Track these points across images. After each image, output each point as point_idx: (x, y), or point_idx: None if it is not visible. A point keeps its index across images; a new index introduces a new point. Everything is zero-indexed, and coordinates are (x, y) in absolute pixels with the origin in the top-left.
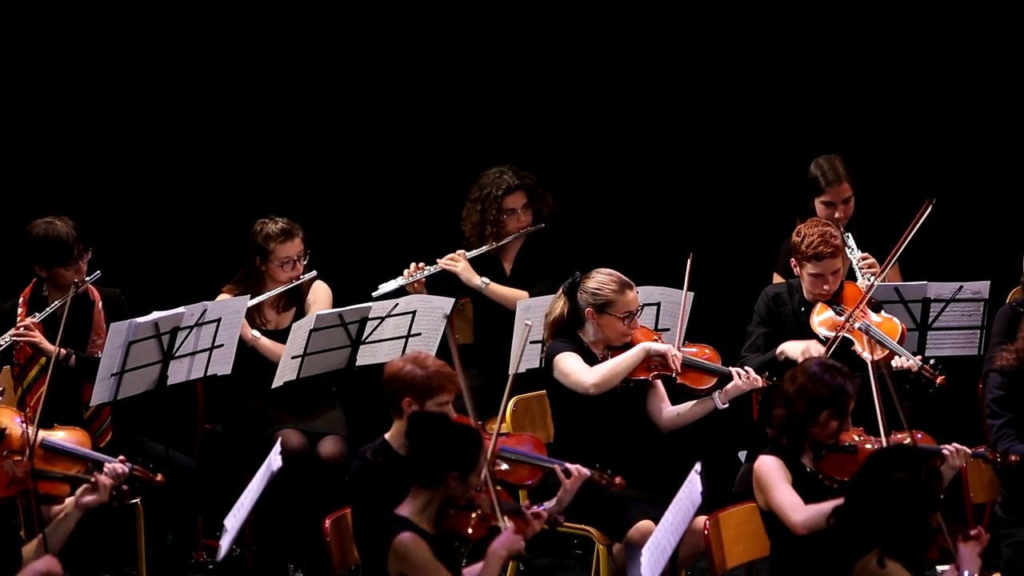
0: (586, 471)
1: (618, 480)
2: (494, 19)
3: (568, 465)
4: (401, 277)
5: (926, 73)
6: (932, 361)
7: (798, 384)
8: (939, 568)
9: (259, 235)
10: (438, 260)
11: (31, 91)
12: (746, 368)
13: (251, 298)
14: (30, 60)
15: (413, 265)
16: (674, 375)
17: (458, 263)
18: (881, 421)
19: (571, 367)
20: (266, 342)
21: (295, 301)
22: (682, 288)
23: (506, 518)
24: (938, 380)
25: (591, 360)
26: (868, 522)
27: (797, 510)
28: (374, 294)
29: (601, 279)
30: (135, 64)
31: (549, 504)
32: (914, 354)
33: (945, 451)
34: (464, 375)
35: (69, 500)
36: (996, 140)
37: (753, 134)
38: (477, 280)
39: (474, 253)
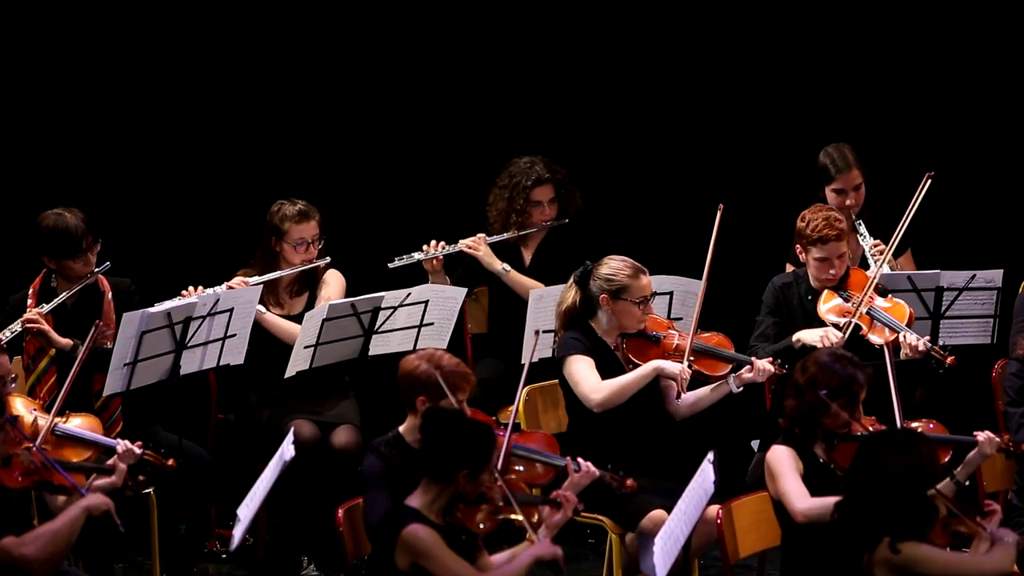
0: (596, 471)
1: (629, 482)
2: (518, 9)
3: (580, 461)
4: (419, 252)
5: (935, 61)
6: (941, 343)
7: (809, 375)
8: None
9: (276, 215)
10: (460, 241)
11: (39, 83)
12: (753, 360)
13: (264, 276)
14: (38, 52)
15: (433, 243)
16: (677, 396)
17: (479, 247)
18: (897, 409)
19: (581, 376)
20: (271, 317)
21: (308, 286)
22: (695, 277)
23: (523, 509)
24: (948, 360)
25: (603, 352)
26: (871, 512)
27: (801, 498)
28: (390, 265)
29: (615, 265)
30: (143, 55)
31: None
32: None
33: (980, 437)
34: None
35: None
36: (1007, 128)
37: (762, 125)
38: (498, 265)
39: (495, 239)
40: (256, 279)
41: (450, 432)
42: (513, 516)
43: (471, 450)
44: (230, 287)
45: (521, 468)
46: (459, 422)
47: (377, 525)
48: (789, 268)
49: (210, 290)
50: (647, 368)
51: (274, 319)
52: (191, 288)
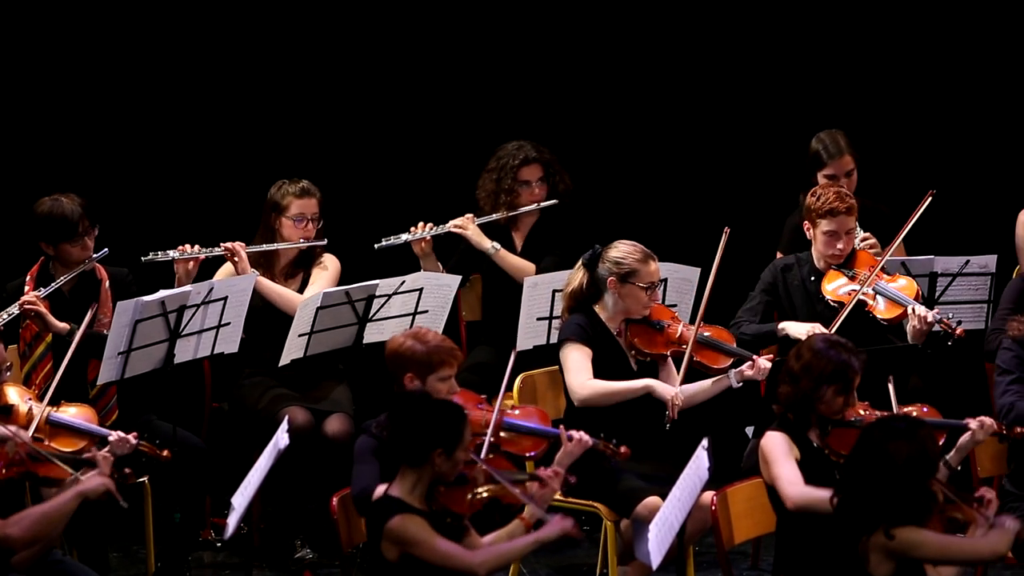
0: (589, 440)
1: (623, 450)
2: None
3: (572, 432)
4: (407, 233)
5: (927, 46)
6: (950, 314)
7: (803, 361)
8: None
9: (277, 191)
10: (449, 222)
11: (37, 69)
12: (754, 358)
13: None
14: (34, 38)
15: (420, 224)
16: (666, 423)
17: (467, 226)
18: (893, 394)
19: (574, 366)
20: (267, 282)
21: (302, 268)
22: (689, 262)
23: (508, 486)
24: (957, 332)
25: (605, 337)
26: (871, 498)
27: (794, 485)
28: (376, 246)
29: (625, 248)
30: (141, 40)
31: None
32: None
33: (972, 424)
34: None
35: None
36: (1003, 114)
37: (754, 114)
38: (487, 244)
39: (484, 220)
40: (253, 248)
41: (417, 413)
42: (498, 494)
43: (441, 427)
44: (225, 247)
45: (514, 440)
46: (424, 402)
47: (365, 506)
48: (780, 257)
49: (206, 250)
50: (638, 384)
51: (270, 284)
52: (187, 245)
